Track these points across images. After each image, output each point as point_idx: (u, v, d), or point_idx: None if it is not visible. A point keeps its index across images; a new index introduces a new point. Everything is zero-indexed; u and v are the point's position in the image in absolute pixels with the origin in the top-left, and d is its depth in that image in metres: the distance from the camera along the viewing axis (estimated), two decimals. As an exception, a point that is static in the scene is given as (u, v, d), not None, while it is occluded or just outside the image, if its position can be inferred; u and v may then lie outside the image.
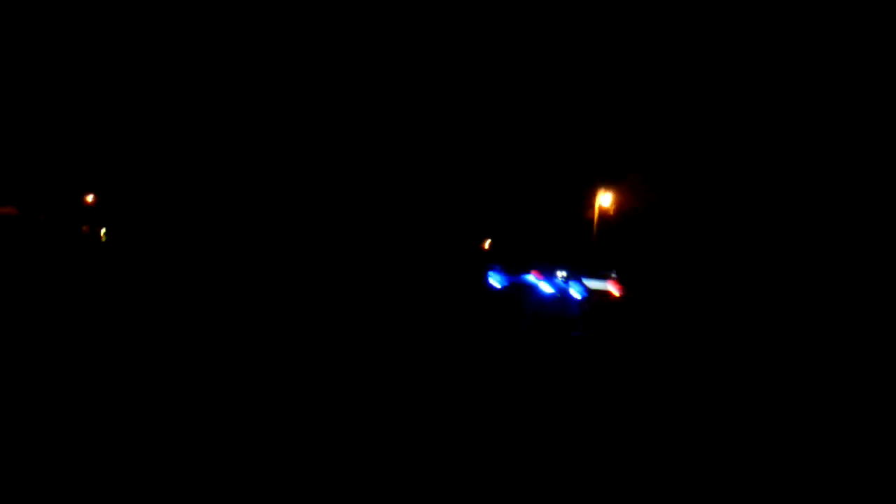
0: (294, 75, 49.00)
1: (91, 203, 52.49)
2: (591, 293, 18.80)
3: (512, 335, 13.73)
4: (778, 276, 34.50)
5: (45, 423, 9.65)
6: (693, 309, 27.39)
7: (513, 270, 19.09)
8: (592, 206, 47.41)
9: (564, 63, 48.85)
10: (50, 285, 29.45)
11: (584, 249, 45.65)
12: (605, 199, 48.79)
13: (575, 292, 18.04)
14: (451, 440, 9.12)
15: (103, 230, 52.20)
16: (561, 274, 17.78)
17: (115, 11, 47.65)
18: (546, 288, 13.73)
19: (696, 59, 47.15)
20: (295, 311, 19.70)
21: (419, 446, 8.81)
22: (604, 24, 48.47)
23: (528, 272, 18.73)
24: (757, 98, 46.20)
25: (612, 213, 48.35)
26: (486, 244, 52.87)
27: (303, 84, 49.09)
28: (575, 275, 19.19)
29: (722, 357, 17.53)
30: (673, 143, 49.69)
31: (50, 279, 31.98)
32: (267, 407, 10.42)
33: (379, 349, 14.57)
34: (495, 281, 18.42)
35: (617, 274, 19.12)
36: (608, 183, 48.60)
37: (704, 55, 47.08)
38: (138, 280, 32.90)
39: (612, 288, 18.30)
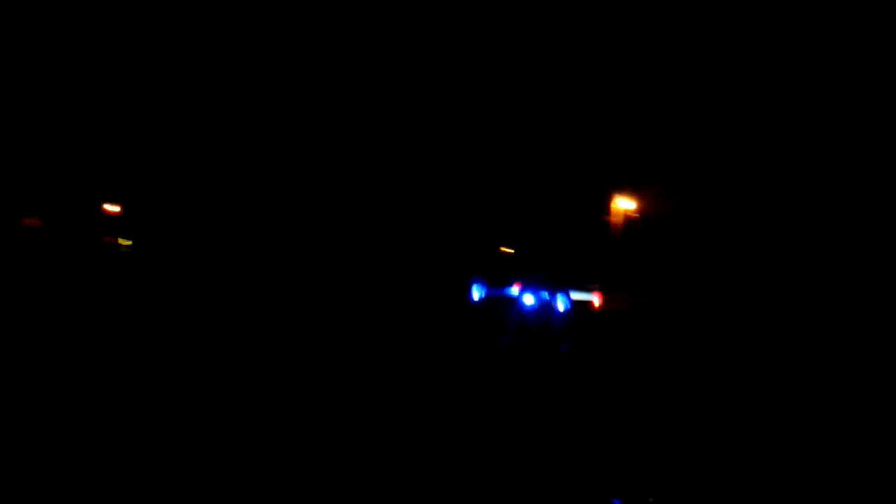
0: (315, 81, 49.25)
1: (113, 213, 52.86)
2: (575, 305, 18.56)
3: (492, 349, 13.67)
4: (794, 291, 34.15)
5: (64, 425, 9.88)
6: (693, 320, 27.25)
7: (495, 282, 18.71)
8: (603, 212, 47.49)
9: (576, 64, 48.91)
10: (73, 295, 29.85)
11: (593, 260, 45.78)
12: (622, 205, 48.80)
13: (560, 304, 17.83)
14: (431, 454, 9.14)
15: (124, 240, 52.59)
16: (545, 285, 17.37)
17: (137, 22, 47.97)
18: (529, 300, 13.45)
19: (714, 64, 47.06)
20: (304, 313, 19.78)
21: (400, 458, 8.85)
22: (621, 23, 48.46)
23: (510, 284, 18.38)
24: (791, 104, 46.11)
25: (624, 220, 48.38)
26: (507, 250, 52.95)
27: (321, 89, 49.34)
28: (559, 286, 18.82)
29: (714, 367, 17.43)
30: (688, 148, 49.71)
31: (73, 289, 32.39)
32: (254, 413, 10.56)
33: (358, 357, 14.60)
34: (476, 293, 18.00)
35: (601, 285, 18.71)
36: (623, 189, 48.60)
37: (724, 60, 47.00)
38: (159, 289, 33.28)
39: (596, 299, 18.01)
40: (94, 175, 50.21)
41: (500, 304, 16.68)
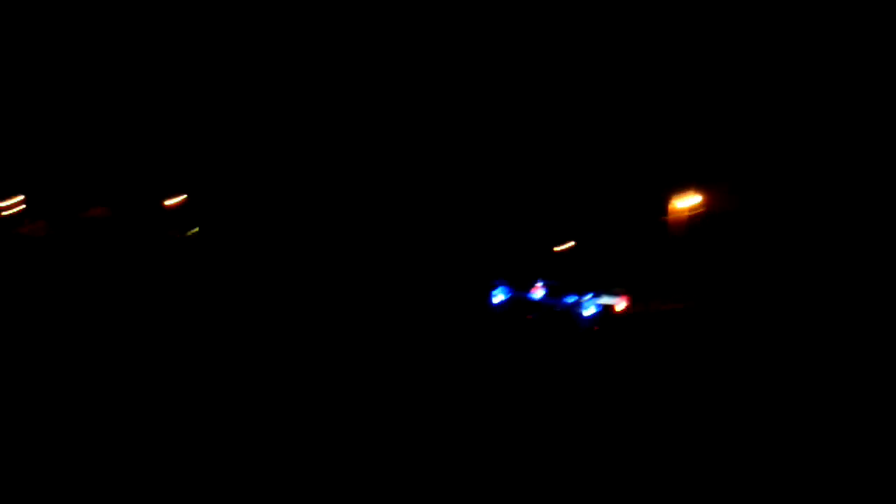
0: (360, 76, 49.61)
1: (178, 204, 54.04)
2: (605, 309, 18.37)
3: (514, 353, 13.74)
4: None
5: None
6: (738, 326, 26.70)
7: (518, 286, 18.56)
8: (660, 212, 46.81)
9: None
10: (142, 285, 30.80)
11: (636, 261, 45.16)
12: (682, 203, 48.16)
13: (589, 308, 17.69)
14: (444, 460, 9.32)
15: (190, 231, 53.74)
16: (572, 289, 17.12)
17: (203, 17, 48.91)
18: (553, 304, 13.32)
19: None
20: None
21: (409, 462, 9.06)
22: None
23: (533, 287, 18.25)
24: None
25: (685, 219, 47.66)
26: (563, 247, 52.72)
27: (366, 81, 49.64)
28: (585, 289, 18.63)
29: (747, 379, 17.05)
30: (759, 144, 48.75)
31: (142, 279, 33.38)
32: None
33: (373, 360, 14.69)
34: (499, 297, 17.87)
35: (627, 289, 18.33)
36: (684, 187, 47.91)
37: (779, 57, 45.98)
38: (225, 280, 34.05)
39: (622, 303, 17.67)
40: (159, 165, 51.40)
41: (523, 308, 16.64)
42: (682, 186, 47.42)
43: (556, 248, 52.05)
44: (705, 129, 46.97)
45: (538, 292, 18.09)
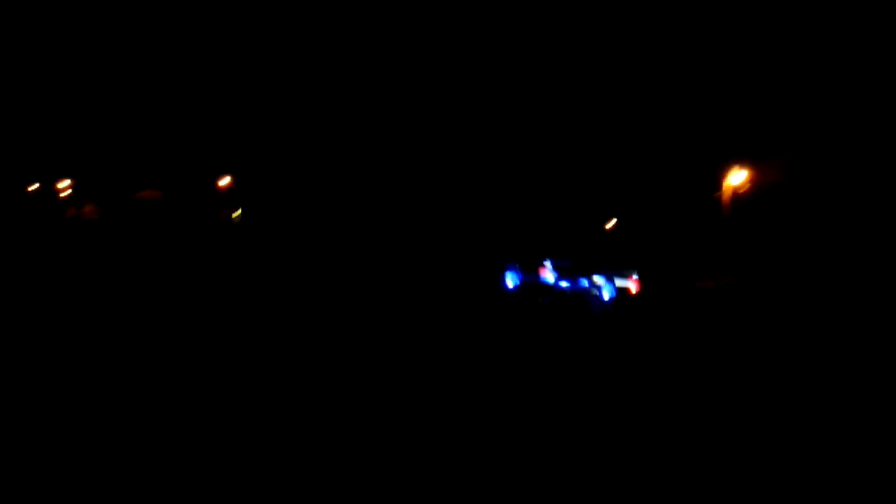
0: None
1: (227, 186, 54.41)
2: (619, 292, 17.60)
3: (524, 338, 13.14)
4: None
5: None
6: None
7: (529, 269, 17.83)
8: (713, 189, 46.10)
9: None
10: (192, 266, 31.05)
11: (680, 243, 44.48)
12: (734, 179, 47.49)
13: (605, 292, 17.00)
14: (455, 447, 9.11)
15: (237, 212, 54.13)
16: (582, 272, 16.36)
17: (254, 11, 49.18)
18: (564, 287, 12.50)
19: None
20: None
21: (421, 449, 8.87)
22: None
23: (541, 267, 17.57)
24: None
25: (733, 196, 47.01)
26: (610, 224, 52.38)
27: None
28: (598, 272, 17.85)
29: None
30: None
31: (192, 260, 33.67)
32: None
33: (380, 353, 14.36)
34: (510, 281, 17.16)
35: (638, 272, 17.40)
36: (732, 163, 47.27)
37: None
38: (271, 264, 34.21)
39: (633, 286, 16.87)
40: (209, 148, 51.79)
41: (535, 292, 15.90)
42: (730, 163, 46.78)
43: (605, 226, 51.76)
44: (754, 106, 46.24)
45: (548, 274, 17.37)
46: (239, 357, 15.11)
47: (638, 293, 17.16)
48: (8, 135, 46.71)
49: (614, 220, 51.10)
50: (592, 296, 13.87)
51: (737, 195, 47.20)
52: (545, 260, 17.98)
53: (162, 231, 45.11)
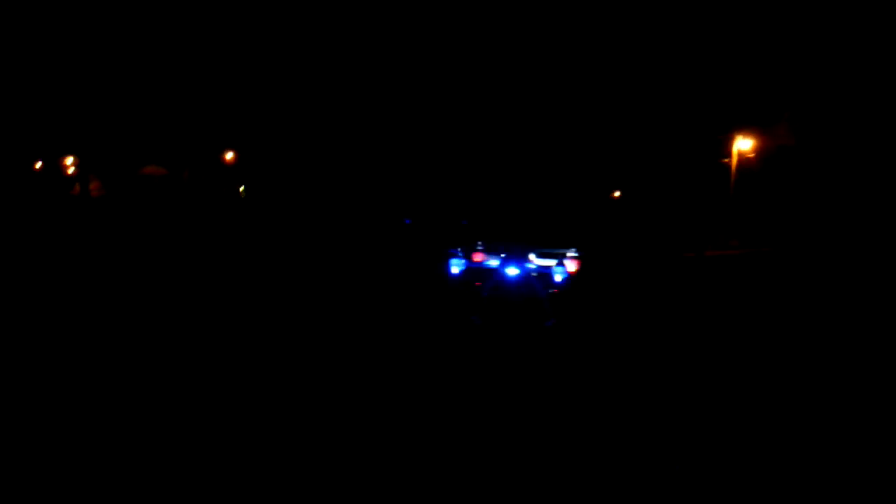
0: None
1: (232, 161, 54.30)
2: (570, 275, 16.99)
3: (467, 327, 12.50)
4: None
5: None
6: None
7: (472, 253, 17.42)
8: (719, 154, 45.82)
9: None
10: (199, 243, 31.06)
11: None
12: (742, 145, 47.17)
13: (557, 274, 16.54)
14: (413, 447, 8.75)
15: (242, 188, 54.10)
16: (523, 253, 15.75)
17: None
18: (512, 271, 11.90)
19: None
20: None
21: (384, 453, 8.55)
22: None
23: (475, 252, 17.13)
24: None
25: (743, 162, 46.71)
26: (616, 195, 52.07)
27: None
28: (541, 252, 17.33)
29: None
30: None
31: (197, 237, 33.66)
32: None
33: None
34: (455, 267, 16.59)
35: (577, 251, 16.72)
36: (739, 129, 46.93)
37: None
38: (276, 242, 34.19)
39: (573, 266, 16.25)
40: (214, 124, 51.65)
41: (481, 277, 15.23)
42: (732, 131, 46.49)
43: (612, 195, 51.52)
44: (762, 74, 45.81)
45: (486, 258, 16.84)
46: (241, 332, 15.06)
47: (578, 271, 16.53)
48: (13, 113, 46.66)
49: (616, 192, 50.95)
50: (537, 277, 13.22)
51: (743, 160, 46.96)
52: (487, 243, 17.48)
53: (167, 207, 45.12)
